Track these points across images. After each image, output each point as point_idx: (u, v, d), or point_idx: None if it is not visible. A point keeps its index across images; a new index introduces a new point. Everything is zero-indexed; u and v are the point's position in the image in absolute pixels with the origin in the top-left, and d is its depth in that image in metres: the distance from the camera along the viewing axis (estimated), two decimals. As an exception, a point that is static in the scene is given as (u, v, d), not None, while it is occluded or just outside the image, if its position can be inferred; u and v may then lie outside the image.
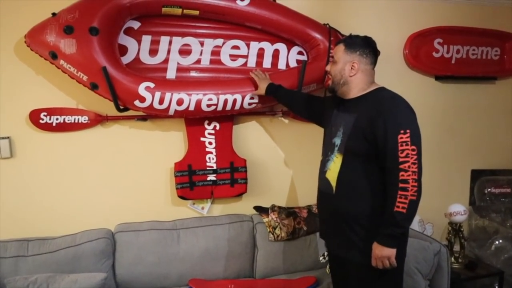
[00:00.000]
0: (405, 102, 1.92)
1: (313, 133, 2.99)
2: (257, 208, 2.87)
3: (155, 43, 2.61)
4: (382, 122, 1.84)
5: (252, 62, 2.77)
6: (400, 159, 1.78)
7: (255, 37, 2.76)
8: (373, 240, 1.88)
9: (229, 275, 2.67)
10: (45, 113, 2.54)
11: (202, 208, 2.85)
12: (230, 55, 2.73)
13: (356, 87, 2.04)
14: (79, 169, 2.67)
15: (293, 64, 2.82)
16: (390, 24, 3.09)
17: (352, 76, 2.03)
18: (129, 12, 2.46)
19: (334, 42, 2.70)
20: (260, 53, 2.78)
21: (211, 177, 2.76)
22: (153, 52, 2.61)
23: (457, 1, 3.19)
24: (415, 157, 1.78)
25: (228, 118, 2.77)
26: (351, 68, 2.01)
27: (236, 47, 2.74)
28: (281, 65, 2.81)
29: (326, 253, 2.68)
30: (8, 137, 2.53)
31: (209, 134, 2.76)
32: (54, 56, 2.34)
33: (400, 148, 1.79)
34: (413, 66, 3.16)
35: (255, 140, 2.93)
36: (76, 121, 2.59)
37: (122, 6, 2.39)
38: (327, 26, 2.78)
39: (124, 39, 2.55)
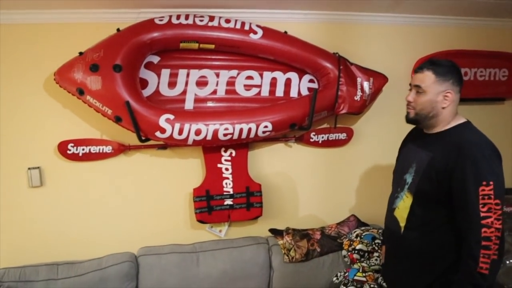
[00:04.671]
0: (490, 146, 1.75)
1: (325, 158, 3.12)
2: (272, 231, 2.98)
3: (173, 75, 2.77)
4: (461, 169, 1.69)
5: (265, 91, 2.90)
6: (482, 214, 1.63)
7: (268, 67, 2.89)
8: None
9: (247, 295, 2.79)
10: (72, 144, 2.70)
11: (220, 231, 2.98)
12: (245, 85, 2.87)
13: (444, 120, 1.87)
14: (104, 195, 2.82)
15: (304, 91, 2.95)
16: (398, 50, 3.18)
17: (444, 108, 1.85)
18: (149, 48, 2.61)
19: (343, 71, 2.83)
20: (273, 82, 2.91)
21: (228, 202, 2.89)
22: (172, 84, 2.77)
23: (464, 25, 3.28)
24: (499, 212, 1.63)
25: (243, 145, 2.89)
26: (444, 98, 1.83)
27: (250, 77, 2.87)
28: (293, 93, 2.94)
29: (340, 274, 2.78)
30: (38, 167, 2.70)
31: (226, 160, 2.89)
32: (81, 92, 2.50)
33: (481, 201, 1.64)
34: (422, 90, 3.23)
35: (270, 165, 3.05)
36: (101, 151, 2.75)
37: (143, 43, 2.55)
38: (337, 55, 2.90)
39: (145, 73, 2.71)
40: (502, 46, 3.38)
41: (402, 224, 1.94)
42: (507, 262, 2.95)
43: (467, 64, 3.31)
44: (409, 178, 1.92)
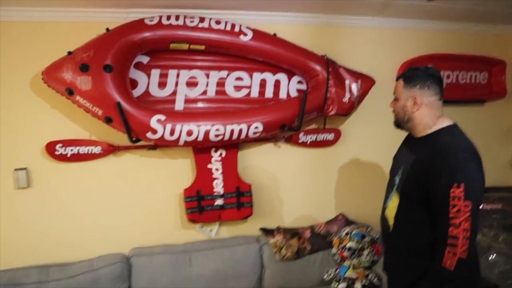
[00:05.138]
0: (467, 149, 1.80)
1: (313, 158, 3.17)
2: (263, 230, 3.01)
3: (163, 76, 2.76)
4: (436, 171, 1.76)
5: (255, 92, 2.92)
6: (451, 214, 1.69)
7: (257, 68, 2.92)
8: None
9: (239, 294, 2.80)
10: (61, 145, 2.67)
11: (210, 231, 2.99)
12: (234, 86, 2.89)
13: (420, 123, 1.94)
14: (93, 196, 2.79)
15: (293, 93, 2.98)
16: (384, 53, 3.26)
17: (415, 112, 1.94)
18: (140, 49, 2.61)
19: (332, 73, 2.88)
20: (262, 84, 2.94)
21: (219, 202, 2.90)
22: (162, 85, 2.76)
23: (447, 29, 3.38)
24: (468, 213, 1.66)
25: (233, 145, 2.91)
26: (414, 103, 1.93)
27: (239, 79, 2.90)
28: (282, 95, 2.97)
29: (330, 271, 2.83)
30: (25, 168, 2.65)
31: (216, 161, 2.90)
32: (70, 92, 2.47)
33: (451, 202, 1.69)
34: (406, 92, 3.31)
35: (259, 166, 3.07)
36: (90, 151, 2.72)
37: (133, 43, 2.54)
38: (325, 57, 2.94)
39: (134, 73, 2.70)
40: (483, 50, 3.50)
41: (391, 222, 2.01)
42: (490, 257, 3.05)
43: (450, 67, 3.42)
44: (397, 180, 2.00)
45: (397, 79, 2.04)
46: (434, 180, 1.76)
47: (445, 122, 1.93)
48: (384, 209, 2.11)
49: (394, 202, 1.99)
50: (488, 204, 3.49)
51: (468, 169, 1.73)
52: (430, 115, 1.93)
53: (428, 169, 1.80)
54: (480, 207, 1.76)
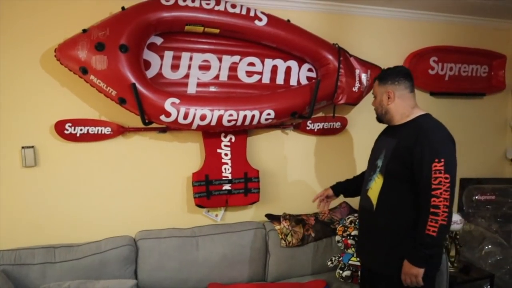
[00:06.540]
0: (444, 132, 2.06)
1: (320, 146, 3.20)
2: (269, 216, 3.03)
3: (176, 58, 2.73)
4: (419, 149, 1.99)
5: (266, 78, 2.92)
6: (433, 186, 1.93)
7: (269, 54, 2.92)
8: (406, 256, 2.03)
9: (244, 279, 2.83)
10: (70, 124, 2.61)
11: (216, 216, 3.00)
12: (246, 71, 2.88)
13: (397, 113, 2.19)
14: (101, 177, 2.76)
15: (303, 80, 3.00)
16: (391, 44, 3.31)
17: (390, 104, 2.19)
18: (154, 29, 2.57)
19: (343, 62, 2.90)
20: (274, 70, 2.94)
21: (227, 187, 2.91)
22: (174, 67, 2.74)
23: (452, 22, 3.44)
24: (447, 184, 1.92)
25: (243, 131, 2.91)
26: (388, 97, 2.18)
27: (251, 64, 2.88)
28: (293, 82, 2.98)
29: (334, 258, 2.88)
30: (32, 146, 2.59)
31: (225, 146, 2.90)
32: (84, 71, 2.42)
33: (433, 175, 1.94)
34: (411, 83, 3.37)
35: (266, 152, 3.09)
36: (99, 132, 2.68)
37: (149, 24, 2.51)
38: (337, 46, 2.95)
39: (147, 54, 2.65)
40: (485, 44, 3.58)
41: (374, 202, 2.19)
42: (486, 247, 3.16)
43: (453, 59, 3.49)
44: (380, 163, 2.21)
45: (373, 80, 2.33)
46: (418, 156, 1.99)
47: (420, 112, 2.19)
48: (366, 191, 2.27)
49: (377, 183, 2.18)
50: (482, 195, 3.60)
51: (447, 147, 2.01)
52: (404, 106, 2.19)
53: (412, 147, 2.02)
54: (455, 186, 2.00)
